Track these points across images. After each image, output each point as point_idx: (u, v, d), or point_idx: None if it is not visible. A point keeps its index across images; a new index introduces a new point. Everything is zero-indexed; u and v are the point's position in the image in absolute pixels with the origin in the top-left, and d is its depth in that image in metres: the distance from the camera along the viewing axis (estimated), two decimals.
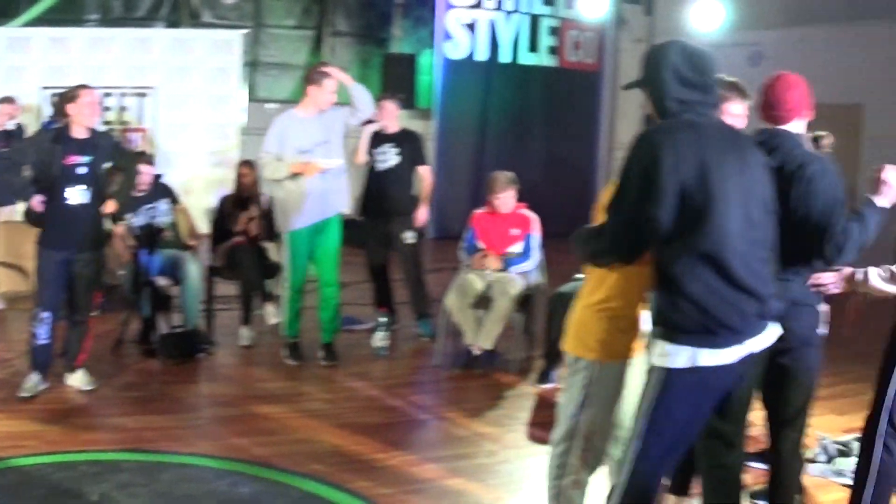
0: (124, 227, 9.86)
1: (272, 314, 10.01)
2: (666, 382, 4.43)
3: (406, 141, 10.72)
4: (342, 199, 9.54)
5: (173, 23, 17.29)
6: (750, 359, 4.49)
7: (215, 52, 16.30)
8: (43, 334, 8.17)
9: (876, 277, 5.28)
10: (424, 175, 10.91)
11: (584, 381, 4.91)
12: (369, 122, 10.24)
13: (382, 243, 10.73)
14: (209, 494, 6.21)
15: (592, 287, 4.95)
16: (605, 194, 4.81)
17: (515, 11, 19.05)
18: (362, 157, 10.38)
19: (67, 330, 8.42)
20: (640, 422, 4.52)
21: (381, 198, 10.55)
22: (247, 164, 10.68)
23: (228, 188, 10.89)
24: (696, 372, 4.38)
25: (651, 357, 4.49)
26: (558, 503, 5.08)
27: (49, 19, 16.12)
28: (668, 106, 4.53)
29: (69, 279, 8.23)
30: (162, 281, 9.85)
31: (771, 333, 4.59)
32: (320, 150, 9.17)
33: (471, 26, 18.59)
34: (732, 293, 4.35)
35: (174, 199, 10.34)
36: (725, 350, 4.37)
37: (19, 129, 12.18)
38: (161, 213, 10.07)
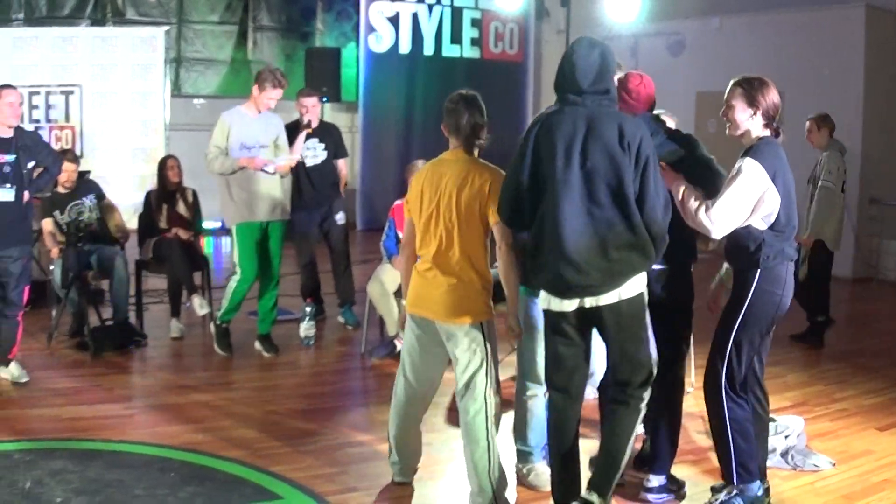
0: (52, 224, 10.04)
1: (199, 306, 10.15)
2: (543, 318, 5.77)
3: (329, 135, 10.98)
4: (286, 207, 9.82)
5: (97, 21, 17.31)
6: (589, 312, 5.49)
7: (138, 48, 16.33)
8: None
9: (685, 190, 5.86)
10: (342, 168, 11.22)
11: None
12: (296, 122, 10.50)
13: (314, 236, 10.99)
14: (138, 479, 6.39)
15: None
16: None
17: (437, 4, 19.30)
18: (295, 160, 10.56)
19: None
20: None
21: (313, 192, 10.78)
22: (172, 159, 10.85)
23: (155, 183, 11.02)
24: (549, 313, 5.60)
25: None
26: None
27: None
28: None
29: None
30: (91, 275, 10.05)
31: (608, 297, 5.38)
32: (263, 152, 9.43)
33: (394, 19, 18.78)
34: (562, 264, 5.34)
35: (101, 195, 10.50)
36: (564, 301, 5.49)
37: None
38: (88, 209, 10.23)
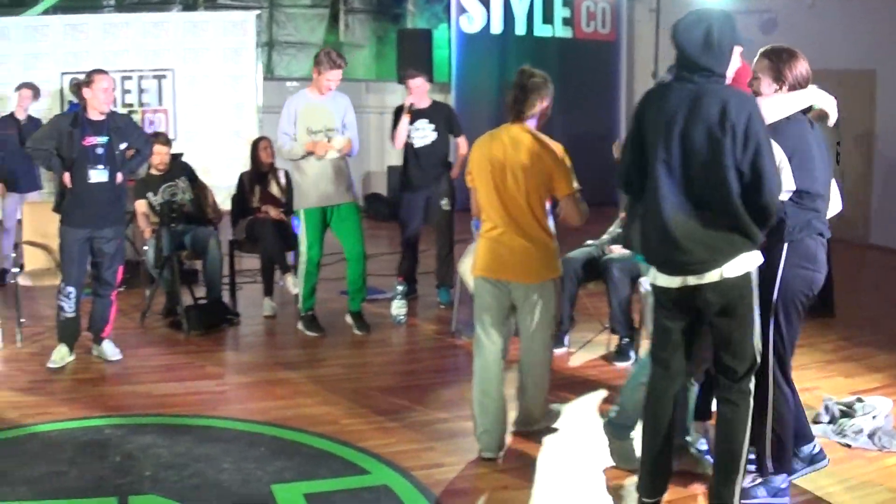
0: (146, 205, 10.16)
1: (293, 285, 10.19)
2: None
3: (440, 114, 10.89)
4: (353, 189, 9.77)
5: (189, 6, 17.49)
6: (692, 290, 5.28)
7: (229, 33, 16.44)
8: (69, 308, 8.50)
9: None
10: (461, 144, 11.05)
11: None
12: (400, 106, 10.60)
13: (418, 216, 10.93)
14: (226, 453, 6.47)
15: None
16: None
17: None
18: (400, 143, 10.57)
19: (93, 303, 8.74)
20: None
21: (421, 172, 10.76)
22: (264, 140, 10.96)
23: (247, 165, 11.12)
24: (655, 287, 5.47)
25: None
26: None
27: (65, 7, 16.37)
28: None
29: (92, 255, 8.54)
30: (185, 255, 10.17)
31: (710, 275, 5.18)
32: (332, 135, 9.38)
33: (485, 0, 18.72)
34: (663, 242, 5.22)
35: (193, 177, 10.64)
36: (668, 277, 5.34)
37: (29, 119, 12.25)
38: (181, 190, 10.36)
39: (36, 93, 12.31)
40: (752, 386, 5.44)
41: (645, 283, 8.21)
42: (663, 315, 5.50)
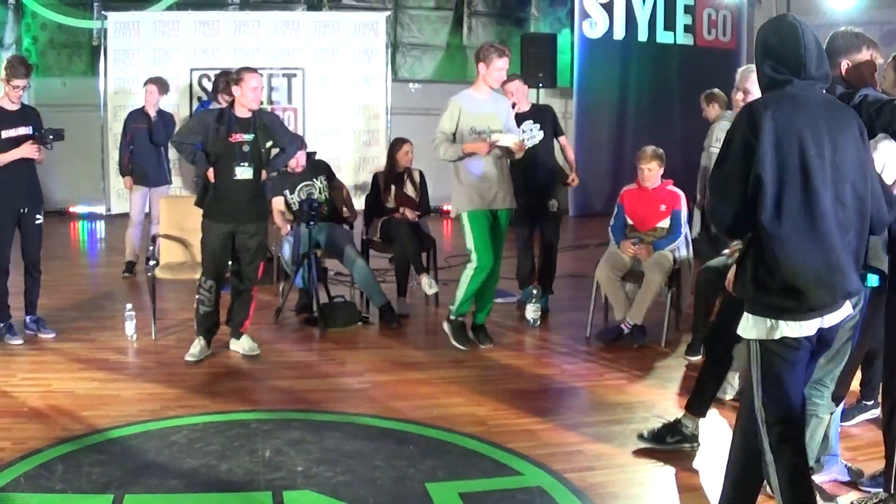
0: (282, 203, 10.22)
1: (427, 285, 10.17)
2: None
3: (543, 115, 10.76)
4: (514, 194, 9.42)
5: (313, 6, 17.63)
6: (823, 333, 4.65)
7: (360, 33, 16.56)
8: (208, 302, 8.60)
9: None
10: (566, 145, 11.05)
11: None
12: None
13: (530, 217, 10.75)
14: (377, 451, 6.46)
15: None
16: None
17: None
18: (520, 140, 10.44)
19: (232, 298, 8.82)
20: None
21: (531, 174, 10.50)
22: (407, 143, 10.91)
23: (377, 165, 11.10)
24: (778, 342, 4.62)
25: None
26: None
27: (189, 3, 16.59)
28: (761, 82, 4.69)
29: (234, 250, 8.61)
30: (320, 253, 10.19)
31: (843, 311, 4.65)
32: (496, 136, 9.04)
33: (608, 5, 18.60)
34: (820, 275, 4.46)
35: (331, 176, 10.69)
36: (805, 323, 4.56)
37: (160, 114, 12.34)
38: (318, 189, 10.41)
39: (162, 88, 12.42)
40: None
41: None
42: (787, 370, 4.69)
